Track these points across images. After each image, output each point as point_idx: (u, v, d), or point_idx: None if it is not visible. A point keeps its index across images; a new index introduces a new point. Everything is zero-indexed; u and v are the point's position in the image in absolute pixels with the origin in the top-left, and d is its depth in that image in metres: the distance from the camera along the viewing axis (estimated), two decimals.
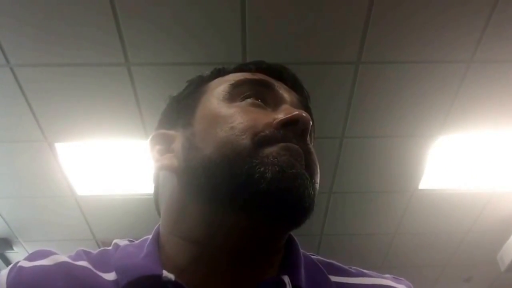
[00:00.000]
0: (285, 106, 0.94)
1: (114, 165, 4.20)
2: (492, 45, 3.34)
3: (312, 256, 1.02)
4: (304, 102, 1.04)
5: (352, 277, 1.01)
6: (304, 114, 0.90)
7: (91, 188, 4.44)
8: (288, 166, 0.84)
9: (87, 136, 3.90)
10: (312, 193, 0.87)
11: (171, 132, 0.99)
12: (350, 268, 1.04)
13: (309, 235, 4.98)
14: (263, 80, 0.99)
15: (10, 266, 0.94)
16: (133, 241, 1.01)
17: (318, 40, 3.27)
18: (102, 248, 1.00)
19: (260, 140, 0.86)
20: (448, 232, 5.24)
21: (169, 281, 0.85)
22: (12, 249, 5.14)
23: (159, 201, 1.02)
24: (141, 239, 1.00)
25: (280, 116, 0.90)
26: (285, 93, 0.99)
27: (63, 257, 0.94)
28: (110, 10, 3.04)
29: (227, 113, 0.91)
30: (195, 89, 1.03)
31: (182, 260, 0.91)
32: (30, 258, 0.94)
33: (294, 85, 1.05)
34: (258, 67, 1.03)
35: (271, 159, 0.84)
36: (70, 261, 0.93)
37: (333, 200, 4.68)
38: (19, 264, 0.92)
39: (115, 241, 1.01)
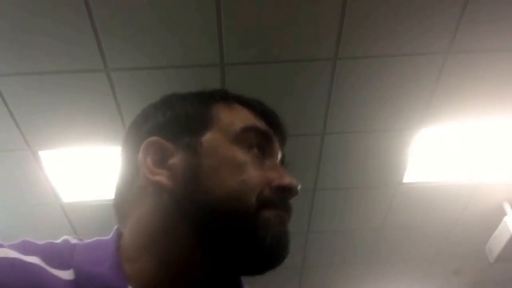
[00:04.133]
0: (281, 169, 1.01)
1: (98, 171, 4.20)
2: (468, 34, 3.36)
3: None
4: (283, 151, 1.09)
5: None
6: (295, 183, 0.98)
7: (76, 194, 4.44)
8: (283, 236, 0.95)
9: (70, 143, 3.91)
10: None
11: (169, 145, 0.98)
12: None
13: (296, 233, 4.89)
14: (268, 134, 1.03)
15: None
16: (82, 240, 0.99)
17: (295, 38, 3.30)
18: (48, 241, 0.96)
19: (263, 202, 0.93)
20: (435, 225, 5.27)
21: None
22: None
23: (129, 208, 1.01)
24: (95, 241, 0.98)
25: (280, 180, 0.97)
26: (278, 147, 1.05)
27: (11, 252, 0.88)
28: (87, 17, 3.06)
29: (238, 162, 0.95)
30: (201, 108, 1.03)
31: (149, 279, 0.92)
32: None
33: (282, 134, 1.10)
34: (261, 109, 1.07)
35: (271, 225, 0.93)
36: (20, 257, 0.88)
37: (317, 197, 4.68)
38: None
39: (64, 237, 1.00)
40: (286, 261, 0.96)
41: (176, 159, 0.96)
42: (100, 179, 4.29)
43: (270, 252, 0.93)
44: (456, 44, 3.40)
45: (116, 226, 1.02)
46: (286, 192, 0.97)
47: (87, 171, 4.20)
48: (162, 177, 0.95)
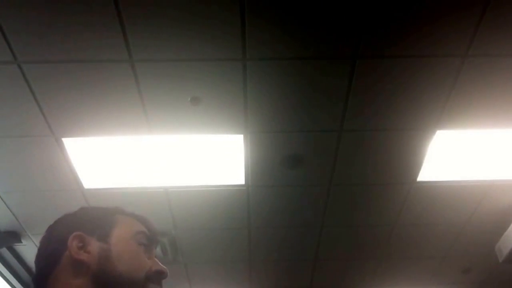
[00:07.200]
0: (157, 261, 1.50)
1: (119, 159, 4.28)
2: (486, 39, 3.41)
3: None
4: (156, 248, 1.60)
5: None
6: (166, 270, 1.48)
7: (98, 181, 4.52)
8: None
9: (93, 131, 3.98)
10: None
11: (88, 237, 1.42)
12: None
13: (310, 226, 5.05)
14: (150, 237, 1.53)
15: None
16: None
17: (317, 37, 3.35)
18: None
19: (148, 277, 1.42)
20: (446, 224, 5.32)
21: None
22: (21, 242, 5.22)
23: (53, 277, 1.39)
24: None
25: (158, 267, 1.47)
26: (155, 246, 1.56)
27: None
28: (114, 9, 3.13)
29: (135, 252, 1.45)
30: (107, 216, 1.50)
31: None
32: None
33: (157, 239, 1.59)
34: (147, 223, 1.56)
35: None
36: None
37: (333, 192, 4.74)
38: None
39: None
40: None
41: (93, 247, 1.41)
42: (120, 168, 4.39)
43: None
44: (474, 48, 3.45)
45: None
46: (162, 274, 1.46)
47: (108, 159, 4.28)
48: (85, 258, 1.37)
